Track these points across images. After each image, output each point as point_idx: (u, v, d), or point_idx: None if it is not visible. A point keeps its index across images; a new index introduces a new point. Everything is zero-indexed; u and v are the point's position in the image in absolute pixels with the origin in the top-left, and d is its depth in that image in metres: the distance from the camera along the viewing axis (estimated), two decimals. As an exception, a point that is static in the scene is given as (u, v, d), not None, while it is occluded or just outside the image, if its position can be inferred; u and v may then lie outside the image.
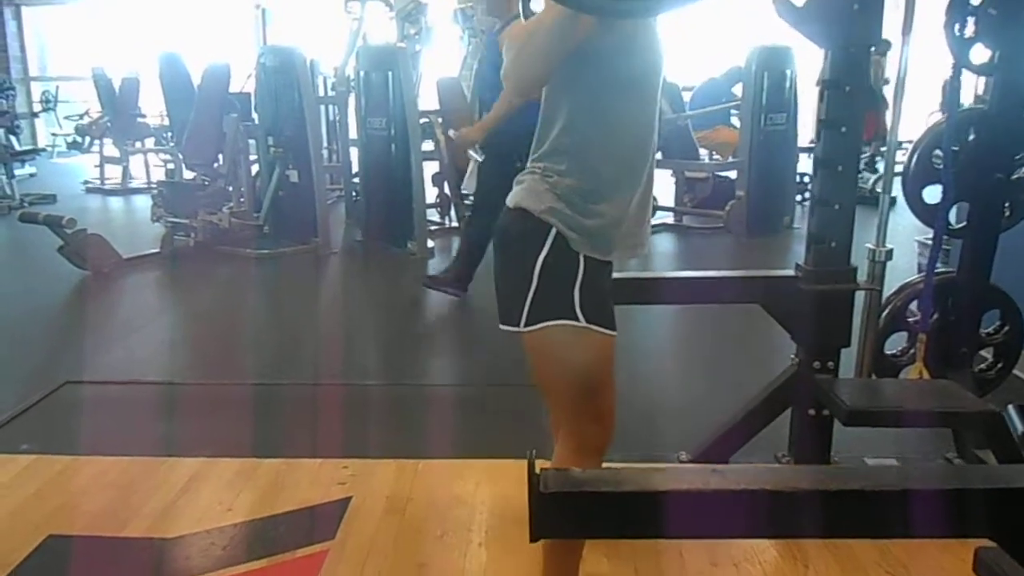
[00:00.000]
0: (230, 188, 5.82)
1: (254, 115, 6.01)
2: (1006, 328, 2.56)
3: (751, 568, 1.89)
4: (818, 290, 2.20)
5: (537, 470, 1.12)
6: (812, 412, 2.27)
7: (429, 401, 3.08)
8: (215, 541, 2.01)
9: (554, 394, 1.55)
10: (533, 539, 1.13)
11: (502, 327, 1.52)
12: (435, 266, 5.41)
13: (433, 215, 6.33)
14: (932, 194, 2.42)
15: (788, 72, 6.09)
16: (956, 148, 2.35)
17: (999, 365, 2.61)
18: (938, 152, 2.42)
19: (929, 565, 1.89)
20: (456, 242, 6.05)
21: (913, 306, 2.59)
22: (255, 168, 6.01)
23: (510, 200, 1.51)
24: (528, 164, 1.52)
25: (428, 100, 6.35)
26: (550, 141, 1.46)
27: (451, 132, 3.75)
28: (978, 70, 2.32)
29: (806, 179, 7.24)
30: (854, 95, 2.12)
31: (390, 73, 5.44)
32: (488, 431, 2.72)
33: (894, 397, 2.19)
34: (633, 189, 1.49)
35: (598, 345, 1.46)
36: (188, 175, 6.27)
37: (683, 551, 1.94)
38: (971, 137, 2.36)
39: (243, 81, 6.29)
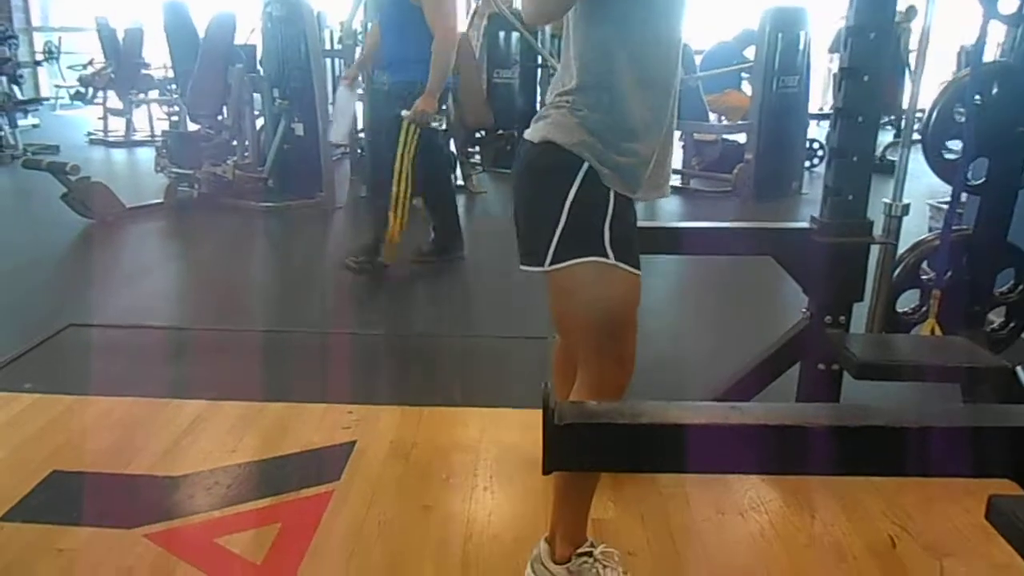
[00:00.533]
0: (235, 142, 5.76)
1: (259, 67, 5.93)
2: (1021, 287, 2.53)
3: (757, 516, 1.88)
4: (833, 242, 2.16)
5: (551, 403, 1.10)
6: (822, 367, 2.25)
7: (434, 351, 3.06)
8: (219, 480, 2.00)
9: (577, 334, 1.52)
10: (546, 471, 1.11)
11: (523, 268, 1.48)
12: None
13: (439, 173, 6.26)
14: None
15: (802, 34, 5.99)
16: (978, 102, 2.30)
17: (1011, 324, 2.58)
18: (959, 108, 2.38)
19: (936, 515, 1.88)
20: (461, 202, 6.02)
21: (926, 264, 2.56)
22: (260, 121, 5.93)
23: (535, 135, 1.45)
24: (552, 98, 1.48)
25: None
26: (579, 74, 1.41)
27: (404, 112, 3.57)
28: (1007, 20, 2.25)
29: (815, 145, 7.18)
30: (879, 43, 2.07)
31: (398, 25, 5.33)
32: (493, 381, 2.71)
33: (906, 352, 2.17)
34: (661, 126, 1.45)
35: (627, 284, 1.44)
36: (192, 127, 6.20)
37: (689, 498, 1.94)
38: (994, 91, 2.31)
39: (247, 33, 6.20)
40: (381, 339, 3.16)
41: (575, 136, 1.39)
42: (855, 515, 1.88)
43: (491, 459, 2.12)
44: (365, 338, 3.14)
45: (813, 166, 7.02)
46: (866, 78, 2.09)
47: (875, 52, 2.07)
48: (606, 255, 1.40)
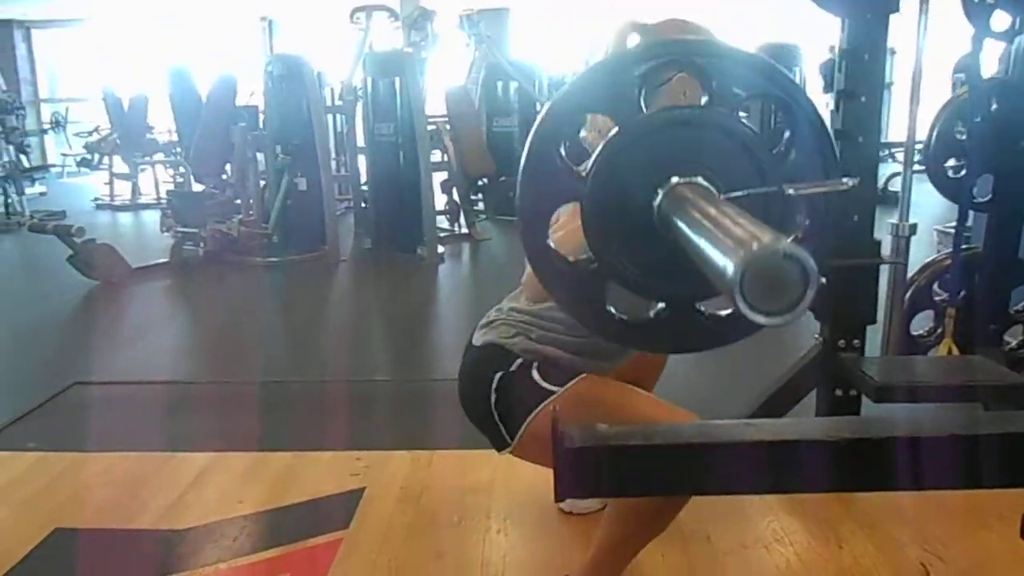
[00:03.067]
0: (238, 200, 5.80)
1: (261, 125, 6.01)
2: (1035, 304, 2.49)
3: (782, 549, 1.81)
4: (841, 264, 2.13)
5: (561, 427, 1.06)
6: (839, 392, 2.20)
7: (441, 397, 2.99)
8: (226, 532, 1.94)
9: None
10: (559, 498, 1.06)
11: (501, 454, 1.52)
12: (445, 272, 5.38)
13: (442, 223, 6.29)
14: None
15: (796, 70, 6.06)
16: (978, 119, 2.29)
17: (1029, 343, 2.53)
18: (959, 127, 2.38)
19: (968, 542, 1.81)
20: (466, 248, 6.04)
21: (937, 286, 2.53)
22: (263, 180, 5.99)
23: (477, 339, 1.56)
24: (507, 305, 1.57)
25: (435, 107, 6.33)
26: (543, 306, 1.46)
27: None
28: (999, 36, 2.26)
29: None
30: (873, 64, 2.07)
31: (397, 79, 5.44)
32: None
33: (924, 373, 2.12)
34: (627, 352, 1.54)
35: (588, 393, 1.41)
36: (197, 187, 6.26)
37: (710, 534, 1.87)
38: (993, 107, 2.30)
39: (248, 95, 6.30)
40: (388, 386, 3.12)
41: (515, 340, 1.47)
42: (884, 545, 1.81)
43: (504, 502, 2.05)
44: (371, 385, 3.10)
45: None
46: (863, 99, 2.08)
47: (870, 73, 2.07)
48: (548, 393, 1.40)
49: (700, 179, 0.86)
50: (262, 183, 5.91)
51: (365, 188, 6.24)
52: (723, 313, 0.92)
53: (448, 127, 6.35)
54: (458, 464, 2.28)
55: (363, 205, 6.23)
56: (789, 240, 0.62)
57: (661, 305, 0.94)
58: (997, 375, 2.02)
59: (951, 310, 2.31)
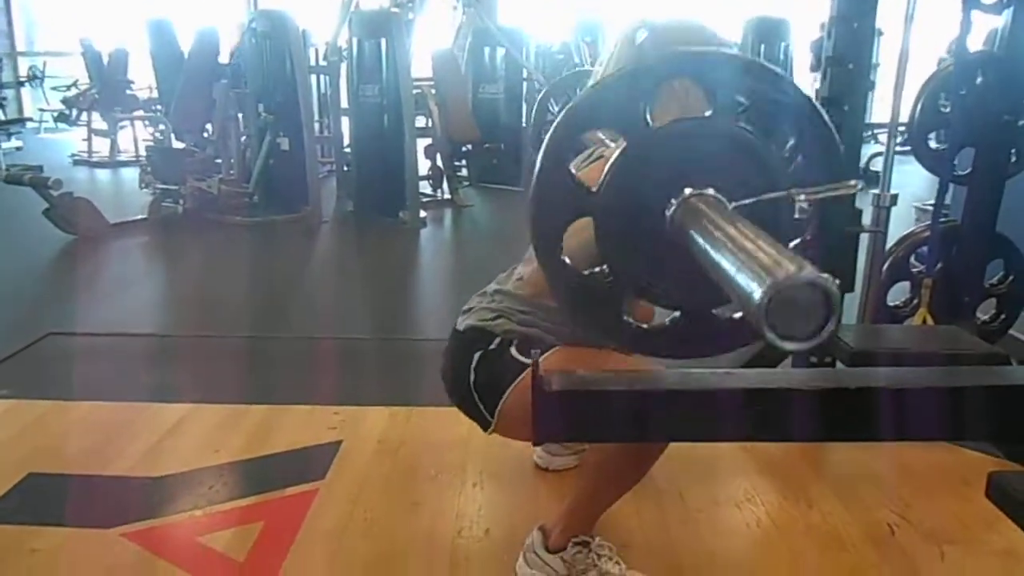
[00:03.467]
0: (219, 159, 5.73)
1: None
2: (1010, 278, 2.52)
3: (753, 507, 1.84)
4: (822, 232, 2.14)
5: (541, 371, 1.06)
6: (814, 359, 2.23)
7: (420, 356, 3.00)
8: (202, 480, 1.94)
9: None
10: (537, 441, 1.07)
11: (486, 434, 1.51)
12: (427, 236, 5.36)
13: (425, 188, 6.25)
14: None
15: (784, 44, 6.05)
16: (963, 92, 2.30)
17: (1002, 316, 2.57)
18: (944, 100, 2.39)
19: (934, 504, 1.85)
20: (448, 214, 6.02)
21: (914, 258, 2.55)
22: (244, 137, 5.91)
23: (460, 323, 1.57)
24: (489, 291, 1.61)
25: (421, 70, 6.26)
26: (531, 293, 1.51)
27: None
28: (987, 9, 2.26)
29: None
30: (862, 32, 2.07)
31: (384, 40, 5.36)
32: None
33: (899, 340, 2.15)
34: None
35: (563, 361, 1.39)
36: (177, 144, 6.16)
37: (683, 491, 1.89)
38: (978, 80, 2.31)
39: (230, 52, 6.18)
40: (367, 343, 3.11)
41: (497, 322, 1.47)
42: (852, 505, 1.85)
43: (480, 457, 2.07)
44: (351, 342, 3.10)
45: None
46: (851, 66, 2.09)
47: (859, 41, 2.08)
48: (524, 366, 1.38)
49: (711, 191, 0.87)
50: (243, 141, 5.85)
51: (348, 151, 6.18)
52: (738, 316, 0.94)
53: (433, 91, 6.28)
54: (436, 420, 2.29)
55: (345, 168, 6.18)
56: (809, 266, 0.63)
57: (677, 313, 0.96)
58: (969, 344, 2.06)
59: (928, 281, 2.34)
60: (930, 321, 2.34)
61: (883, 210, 2.34)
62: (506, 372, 1.42)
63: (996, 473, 1.38)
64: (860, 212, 2.19)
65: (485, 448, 2.11)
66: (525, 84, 7.09)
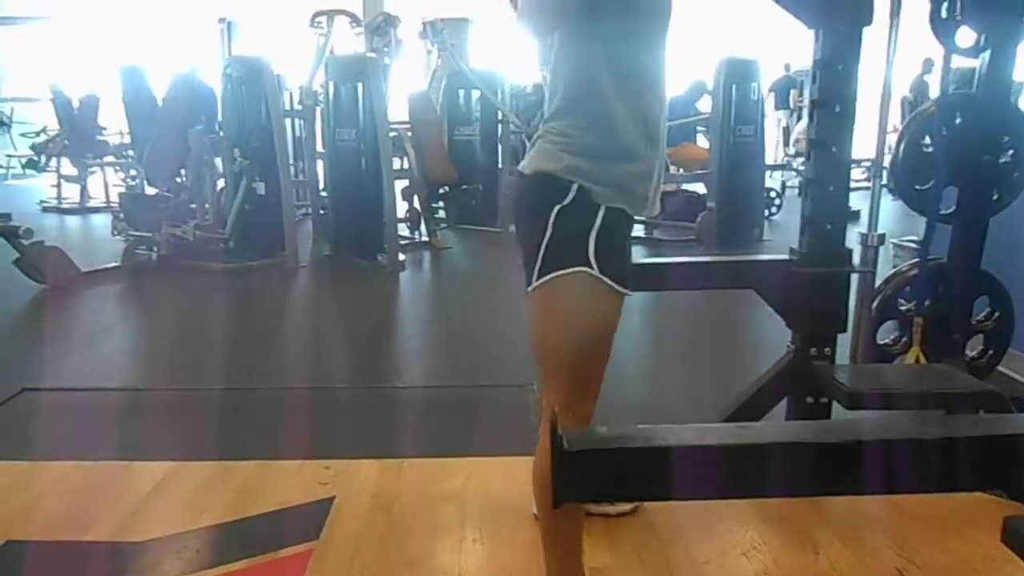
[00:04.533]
0: (193, 205, 5.66)
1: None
2: (996, 315, 2.54)
3: (761, 556, 1.80)
4: (814, 273, 2.15)
5: (560, 430, 1.03)
6: (810, 400, 2.22)
7: (406, 403, 2.96)
8: (187, 544, 1.86)
9: (548, 353, 1.46)
10: (556, 504, 1.04)
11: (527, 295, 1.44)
12: (407, 280, 5.32)
13: (402, 231, 6.22)
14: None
15: (754, 85, 6.16)
16: (944, 132, 2.34)
17: (990, 352, 2.58)
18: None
19: (941, 547, 1.83)
20: (427, 257, 5.98)
21: (901, 295, 2.57)
22: (221, 182, 5.86)
23: (526, 167, 1.44)
24: (541, 126, 1.46)
25: (397, 113, 6.27)
26: (564, 95, 1.39)
27: None
28: (964, 53, 2.31)
29: (773, 193, 7.34)
30: (846, 75, 2.10)
31: (360, 84, 5.37)
32: (474, 430, 2.60)
33: (895, 380, 2.15)
34: (656, 143, 1.43)
35: (607, 301, 1.39)
36: (150, 191, 6.09)
37: (689, 542, 1.85)
38: (958, 120, 2.35)
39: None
40: (352, 392, 3.05)
41: (561, 162, 1.38)
42: (859, 550, 1.82)
43: (478, 510, 2.01)
44: (335, 391, 3.03)
45: (772, 214, 7.15)
46: (838, 108, 2.11)
47: (844, 83, 2.10)
48: (589, 266, 1.35)
49: None
50: (219, 186, 5.79)
51: (324, 194, 6.15)
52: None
53: (409, 134, 6.29)
54: (429, 472, 2.23)
55: (322, 211, 6.14)
56: None
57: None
58: (965, 383, 2.06)
59: (919, 319, 2.34)
60: (922, 359, 2.34)
61: (871, 249, 2.36)
62: (575, 247, 1.36)
63: (1012, 518, 1.36)
64: (850, 251, 2.20)
65: (482, 500, 2.06)
66: (500, 126, 7.13)
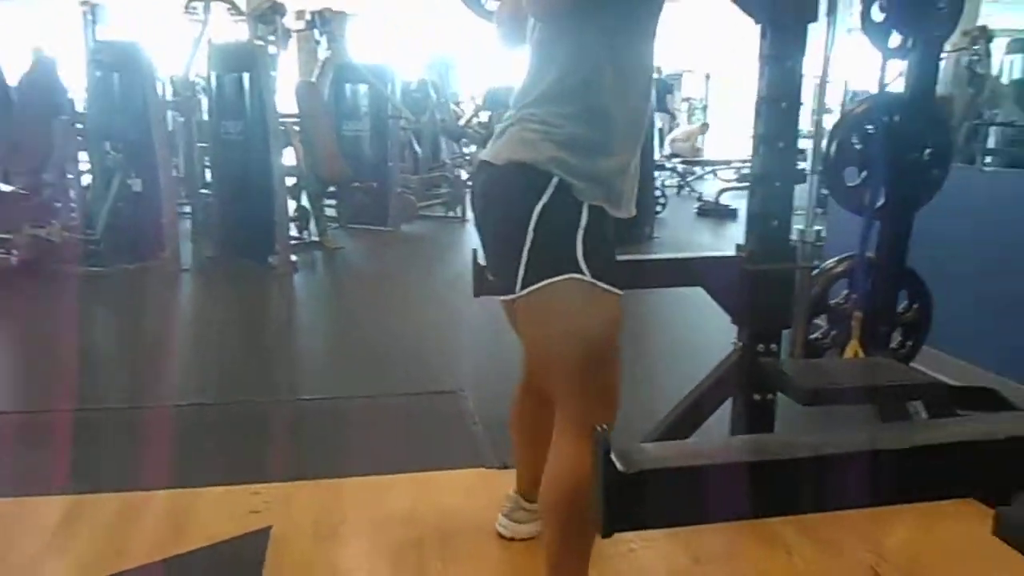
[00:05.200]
0: (59, 203, 5.14)
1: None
2: (915, 306, 2.63)
3: (737, 564, 1.76)
4: (762, 269, 2.14)
5: (609, 447, 0.91)
6: (757, 397, 2.21)
7: (322, 415, 2.75)
8: (108, 592, 1.62)
9: (554, 368, 1.36)
10: (608, 533, 0.92)
11: (501, 300, 1.32)
12: (301, 282, 5.04)
13: (290, 230, 5.90)
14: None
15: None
16: (873, 131, 2.40)
17: (910, 343, 2.68)
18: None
19: (904, 540, 1.86)
20: (319, 258, 5.70)
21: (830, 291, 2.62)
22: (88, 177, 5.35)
23: (497, 156, 1.32)
24: (516, 112, 1.34)
25: (284, 106, 5.94)
26: (553, 81, 1.28)
27: None
28: (897, 55, 2.37)
29: (658, 193, 7.52)
30: (792, 70, 2.10)
31: (247, 74, 5.04)
32: (409, 443, 2.44)
33: (846, 375, 2.17)
34: (638, 140, 1.36)
35: (604, 305, 1.30)
36: (5, 187, 5.47)
37: (664, 552, 1.79)
38: (885, 119, 2.41)
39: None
40: (268, 407, 2.81)
41: (543, 152, 1.28)
42: (830, 549, 1.81)
43: (436, 528, 1.87)
44: (243, 406, 2.78)
45: (658, 212, 7.31)
46: (784, 105, 2.11)
47: (790, 80, 2.10)
48: (580, 271, 1.26)
49: None
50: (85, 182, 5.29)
51: (205, 192, 5.74)
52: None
53: (297, 128, 5.97)
54: (372, 491, 2.06)
55: (205, 210, 5.72)
56: None
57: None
58: (910, 376, 2.11)
59: (858, 313, 2.39)
60: (861, 353, 2.39)
61: (808, 245, 2.38)
62: (563, 253, 1.26)
63: (1003, 510, 1.36)
64: (795, 248, 2.21)
65: (439, 519, 1.92)
66: (390, 121, 6.89)
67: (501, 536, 1.81)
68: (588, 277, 1.26)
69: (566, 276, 1.26)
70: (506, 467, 2.15)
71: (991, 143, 6.96)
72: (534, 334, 1.35)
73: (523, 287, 1.28)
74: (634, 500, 0.92)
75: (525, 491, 1.78)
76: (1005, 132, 6.95)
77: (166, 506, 1.97)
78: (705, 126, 11.61)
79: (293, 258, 5.25)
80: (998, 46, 7.23)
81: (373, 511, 1.96)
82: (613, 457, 0.91)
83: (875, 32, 2.37)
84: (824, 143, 2.44)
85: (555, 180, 1.27)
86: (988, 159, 6.53)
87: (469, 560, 1.76)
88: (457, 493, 2.04)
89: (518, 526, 1.80)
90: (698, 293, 2.16)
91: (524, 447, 1.75)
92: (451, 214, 7.43)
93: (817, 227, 2.35)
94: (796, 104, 2.12)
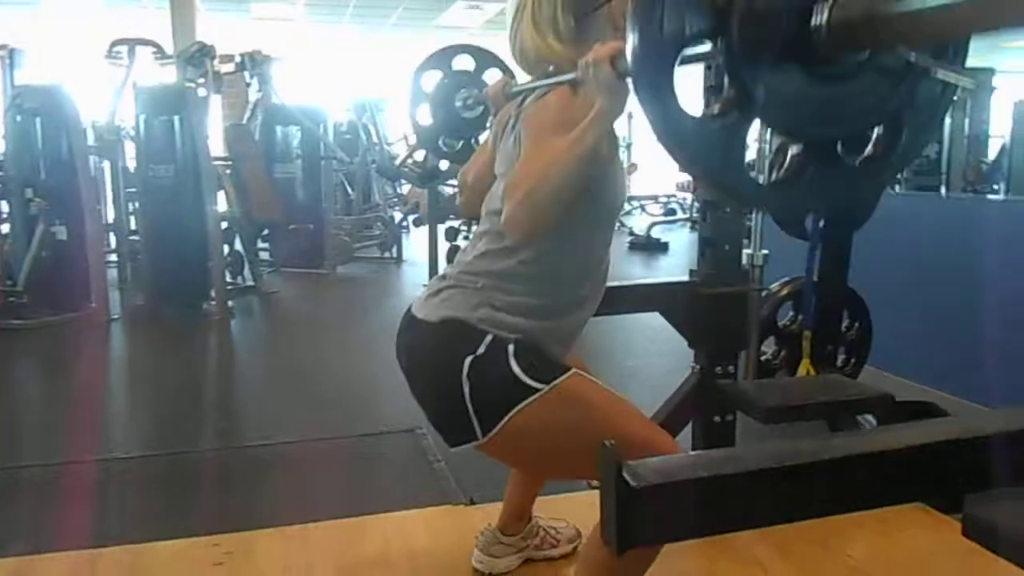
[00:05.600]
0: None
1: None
2: (857, 325, 2.74)
3: (713, 581, 1.77)
4: (717, 293, 2.20)
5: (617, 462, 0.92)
6: (717, 419, 2.25)
7: (273, 461, 2.67)
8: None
9: (564, 471, 1.39)
10: (623, 550, 0.91)
11: (455, 449, 1.29)
12: (239, 328, 4.92)
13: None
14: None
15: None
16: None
17: (853, 360, 2.78)
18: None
19: (872, 548, 1.89)
20: (255, 303, 5.56)
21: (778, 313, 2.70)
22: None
23: (429, 314, 1.32)
24: (461, 269, 1.35)
25: (215, 149, 5.83)
26: (506, 265, 1.30)
27: None
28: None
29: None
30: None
31: (177, 117, 4.93)
32: (371, 484, 2.39)
33: (802, 393, 2.22)
34: (588, 310, 1.38)
35: (571, 393, 1.27)
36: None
37: None
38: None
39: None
40: (222, 453, 2.71)
41: (478, 312, 1.28)
42: (804, 564, 1.84)
43: (408, 572, 1.82)
44: (201, 455, 2.68)
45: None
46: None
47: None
48: (532, 390, 1.24)
49: None
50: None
51: (134, 238, 5.57)
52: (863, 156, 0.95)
53: (228, 170, 5.86)
54: (340, 536, 2.00)
55: (136, 257, 5.54)
56: None
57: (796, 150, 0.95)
58: (861, 390, 2.18)
59: (807, 333, 2.47)
60: (812, 371, 2.46)
61: (756, 269, 2.45)
62: (507, 387, 1.23)
63: (971, 513, 1.41)
64: (748, 271, 2.28)
65: (411, 560, 1.87)
66: (323, 163, 6.83)
67: (477, 572, 1.78)
68: (542, 386, 1.24)
69: (522, 404, 1.24)
70: (473, 503, 2.13)
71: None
72: (520, 460, 1.35)
73: (484, 433, 1.25)
74: (648, 515, 0.92)
75: (504, 525, 1.76)
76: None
77: (122, 563, 1.86)
78: (633, 166, 11.85)
79: (230, 303, 5.12)
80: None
81: (342, 556, 1.90)
82: (624, 473, 0.92)
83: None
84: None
85: (488, 337, 1.26)
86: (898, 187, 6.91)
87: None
88: (427, 532, 2.00)
89: (495, 560, 1.77)
90: (651, 320, 2.20)
91: (515, 485, 1.73)
92: (387, 255, 7.38)
93: (764, 251, 2.44)
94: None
